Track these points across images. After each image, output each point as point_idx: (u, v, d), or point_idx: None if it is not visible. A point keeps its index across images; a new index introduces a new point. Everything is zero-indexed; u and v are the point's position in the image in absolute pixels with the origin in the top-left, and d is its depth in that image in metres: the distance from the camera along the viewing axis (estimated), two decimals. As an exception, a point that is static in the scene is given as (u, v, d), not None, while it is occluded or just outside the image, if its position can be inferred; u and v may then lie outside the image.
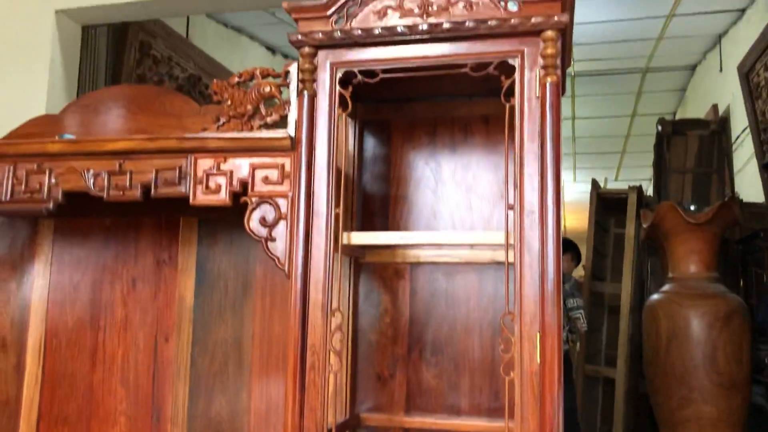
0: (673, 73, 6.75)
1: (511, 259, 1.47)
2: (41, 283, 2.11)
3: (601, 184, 5.61)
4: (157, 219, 2.05)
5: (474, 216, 1.89)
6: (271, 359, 1.91)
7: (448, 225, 1.91)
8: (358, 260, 1.92)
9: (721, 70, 5.74)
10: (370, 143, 2.00)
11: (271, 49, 6.39)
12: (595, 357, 5.03)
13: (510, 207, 1.49)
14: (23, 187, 1.68)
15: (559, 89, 1.48)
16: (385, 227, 1.94)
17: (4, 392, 2.07)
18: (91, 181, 1.64)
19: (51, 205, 1.65)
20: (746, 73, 4.69)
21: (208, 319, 1.99)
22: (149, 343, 2.03)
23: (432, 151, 1.95)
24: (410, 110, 1.97)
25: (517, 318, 1.44)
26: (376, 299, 1.93)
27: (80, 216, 2.09)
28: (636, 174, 9.73)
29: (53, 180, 1.66)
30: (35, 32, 3.57)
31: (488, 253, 1.82)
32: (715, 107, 5.76)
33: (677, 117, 7.37)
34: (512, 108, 1.50)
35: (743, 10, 5.30)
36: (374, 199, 1.98)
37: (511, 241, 1.48)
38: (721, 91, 5.73)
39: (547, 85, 1.47)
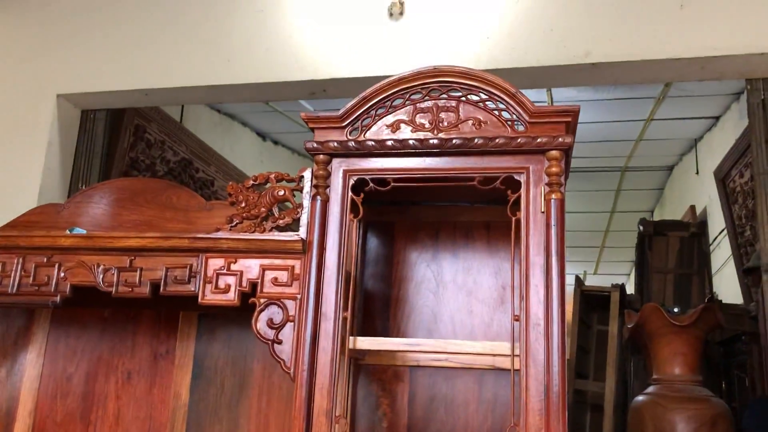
0: (651, 173, 6.99)
1: (515, 367, 1.49)
2: (33, 373, 2.07)
3: (581, 278, 5.70)
4: (157, 312, 2.05)
5: (474, 320, 1.92)
6: (266, 461, 1.88)
7: (448, 328, 1.93)
8: (358, 361, 1.93)
9: (697, 172, 5.97)
10: (373, 243, 2.05)
11: (262, 136, 6.53)
12: (578, 457, 4.96)
13: (516, 318, 1.52)
14: (31, 279, 1.69)
15: (563, 205, 1.55)
16: (386, 328, 1.96)
17: (-15, 488, 2.00)
18: (101, 276, 1.65)
19: (58, 299, 1.66)
20: (722, 179, 4.88)
21: (203, 416, 1.96)
22: (140, 440, 1.99)
23: (434, 253, 2.00)
24: (414, 213, 2.03)
25: (523, 430, 1.45)
26: (375, 403, 1.92)
27: (78, 306, 2.08)
28: (614, 268, 9.87)
29: (62, 274, 1.67)
30: (35, 115, 3.63)
31: (489, 359, 1.84)
32: (692, 208, 5.94)
33: (655, 215, 7.57)
34: (518, 221, 1.56)
35: (717, 118, 5.57)
36: (375, 299, 2.00)
37: (516, 352, 1.50)
38: (698, 192, 5.94)
39: (552, 201, 1.54)
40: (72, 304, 1.99)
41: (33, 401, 2.06)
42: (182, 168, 5.28)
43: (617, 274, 9.51)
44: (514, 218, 1.57)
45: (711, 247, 5.44)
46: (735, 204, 4.74)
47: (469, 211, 2.00)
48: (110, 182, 2.13)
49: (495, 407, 1.84)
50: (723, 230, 5.07)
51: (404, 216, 2.04)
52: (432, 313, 1.96)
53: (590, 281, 9.09)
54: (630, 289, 5.88)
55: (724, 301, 4.66)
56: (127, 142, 4.72)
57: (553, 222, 1.53)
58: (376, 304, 2.01)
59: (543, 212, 1.54)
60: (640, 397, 3.72)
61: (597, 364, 4.97)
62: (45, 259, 1.70)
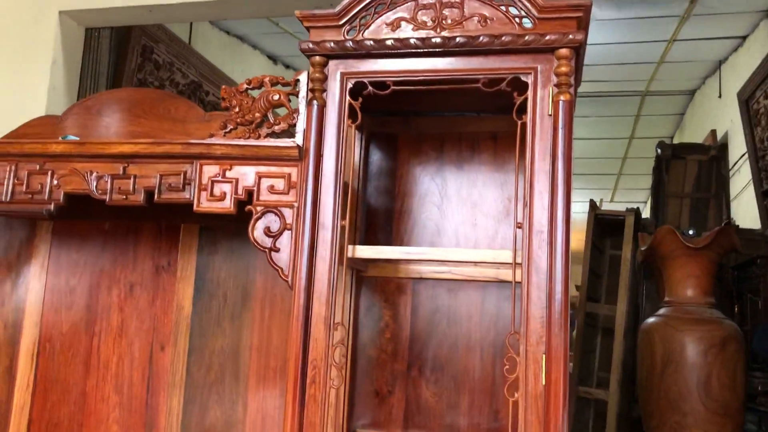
0: (672, 97, 6.79)
1: (517, 278, 1.45)
2: (37, 285, 2.08)
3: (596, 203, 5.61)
4: (158, 224, 2.03)
5: (478, 233, 1.87)
6: (268, 371, 1.88)
7: (452, 241, 1.89)
8: (360, 274, 1.90)
9: (720, 95, 5.78)
10: (376, 156, 1.99)
11: (273, 59, 6.39)
12: (587, 379, 5.00)
13: (518, 225, 1.47)
14: (24, 187, 1.65)
15: (572, 108, 1.47)
16: (389, 242, 1.92)
17: (-6, 396, 2.03)
18: (94, 183, 1.62)
19: (52, 207, 1.63)
20: (746, 100, 4.72)
21: (205, 328, 1.96)
22: (145, 351, 2.00)
23: (439, 166, 1.94)
24: (418, 124, 1.96)
25: (523, 338, 1.42)
26: (377, 314, 1.90)
27: (79, 218, 2.06)
28: (632, 196, 9.76)
29: (55, 181, 1.63)
30: (38, 32, 3.55)
31: (492, 270, 1.81)
32: (713, 133, 5.79)
33: (675, 141, 7.40)
34: (524, 125, 1.49)
35: (744, 38, 5.34)
36: (378, 213, 1.96)
37: (518, 260, 1.46)
38: (720, 116, 5.77)
39: (560, 103, 1.46)
40: (71, 216, 1.98)
41: (38, 313, 2.07)
42: (192, 91, 5.19)
43: (634, 201, 9.40)
44: (519, 122, 1.50)
45: (731, 172, 5.32)
46: (758, 126, 4.59)
47: (475, 121, 1.93)
48: (109, 93, 2.07)
49: (498, 320, 1.81)
50: (744, 154, 4.94)
51: (408, 127, 1.97)
52: (436, 227, 1.92)
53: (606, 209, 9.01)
54: (646, 215, 5.80)
55: (741, 226, 4.58)
56: (134, 63, 4.63)
57: (560, 125, 1.45)
58: (379, 218, 1.97)
59: (550, 115, 1.47)
60: (651, 319, 3.70)
61: (609, 288, 4.95)
62: (38, 167, 1.66)
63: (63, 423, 2.01)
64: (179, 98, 1.90)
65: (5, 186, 1.66)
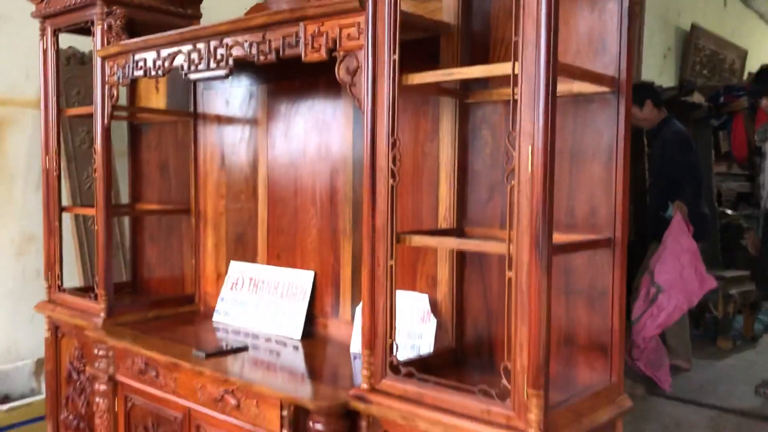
0: None
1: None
2: (263, 131, 2.88)
3: None
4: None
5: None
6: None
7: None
8: (463, 101, 2.22)
9: None
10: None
11: None
12: None
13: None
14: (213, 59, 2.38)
15: None
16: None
17: (247, 210, 2.94)
18: (248, 49, 2.26)
19: (227, 72, 2.33)
20: None
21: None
22: (327, 175, 2.66)
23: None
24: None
25: (518, 136, 1.65)
26: (479, 134, 2.22)
27: (282, 80, 2.77)
28: None
29: (230, 52, 2.32)
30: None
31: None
32: None
33: None
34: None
35: None
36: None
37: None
38: None
39: None
40: (277, 78, 2.70)
41: (265, 153, 2.88)
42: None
43: None
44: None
45: None
46: None
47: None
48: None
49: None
50: None
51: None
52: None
53: None
54: None
55: None
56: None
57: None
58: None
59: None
60: None
61: None
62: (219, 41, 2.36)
63: (285, 227, 2.83)
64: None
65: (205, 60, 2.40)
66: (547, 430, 1.64)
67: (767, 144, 4.22)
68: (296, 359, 2.51)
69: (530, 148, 1.63)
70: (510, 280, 1.68)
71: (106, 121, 2.83)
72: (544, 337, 1.64)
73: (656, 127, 4.60)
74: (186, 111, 3.16)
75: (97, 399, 2.76)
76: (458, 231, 2.24)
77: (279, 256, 2.86)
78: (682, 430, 3.61)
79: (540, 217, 1.62)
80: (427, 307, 2.32)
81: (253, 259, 2.96)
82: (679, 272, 4.23)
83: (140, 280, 3.53)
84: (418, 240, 1.98)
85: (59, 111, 3.20)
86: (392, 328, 1.94)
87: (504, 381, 1.70)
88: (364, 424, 1.98)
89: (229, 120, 3.03)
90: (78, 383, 3.12)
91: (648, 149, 5.30)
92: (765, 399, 4.40)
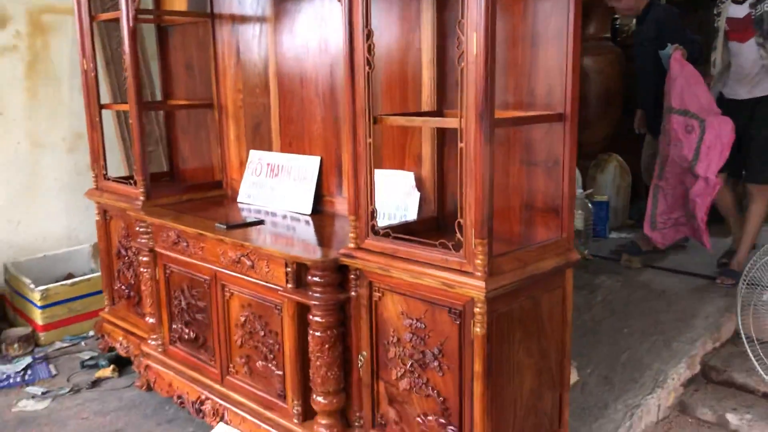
0: None
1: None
2: (271, 29, 3.15)
3: None
4: (325, -23, 2.85)
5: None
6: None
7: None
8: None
9: None
10: None
11: None
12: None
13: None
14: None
15: None
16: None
17: (261, 104, 3.27)
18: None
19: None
20: None
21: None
22: (327, 68, 2.94)
23: None
24: None
25: (466, 23, 1.90)
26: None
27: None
28: None
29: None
30: None
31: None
32: None
33: None
34: None
35: None
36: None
37: None
38: None
39: None
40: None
41: (274, 52, 3.15)
42: None
43: None
44: None
45: None
46: None
47: None
48: None
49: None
50: None
51: None
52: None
53: None
54: None
55: None
56: None
57: None
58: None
59: None
60: None
61: None
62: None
63: (295, 118, 3.15)
64: None
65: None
66: (491, 272, 1.99)
67: (720, 19, 4.01)
68: (305, 230, 2.90)
69: (475, 34, 1.88)
70: (461, 149, 1.98)
71: (131, 23, 3.15)
72: (487, 196, 1.95)
73: (642, 14, 4.52)
74: (204, 12, 3.44)
75: (141, 269, 3.23)
76: (438, 113, 2.52)
77: (291, 144, 3.20)
78: (665, 296, 3.88)
79: (482, 94, 1.90)
80: (413, 182, 2.64)
81: (269, 148, 3.31)
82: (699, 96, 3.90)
83: (176, 170, 3.94)
84: (393, 120, 2.28)
85: (92, 16, 3.52)
86: (372, 197, 2.28)
87: (458, 234, 2.03)
88: (352, 276, 2.36)
89: (242, 19, 3.30)
90: (126, 258, 3.60)
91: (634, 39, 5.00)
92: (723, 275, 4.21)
